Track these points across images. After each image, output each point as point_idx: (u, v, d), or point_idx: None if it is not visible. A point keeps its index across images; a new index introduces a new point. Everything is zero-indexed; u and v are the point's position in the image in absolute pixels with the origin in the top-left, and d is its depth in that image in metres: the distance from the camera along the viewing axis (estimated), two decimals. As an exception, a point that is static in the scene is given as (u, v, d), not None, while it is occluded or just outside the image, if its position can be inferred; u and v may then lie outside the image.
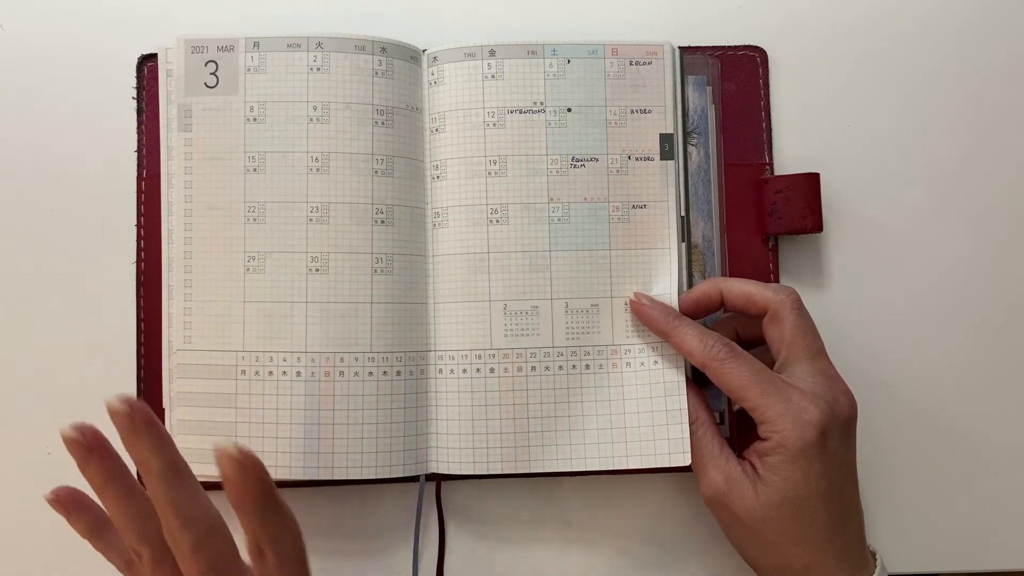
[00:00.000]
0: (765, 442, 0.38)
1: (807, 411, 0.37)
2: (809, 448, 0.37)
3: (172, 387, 0.42)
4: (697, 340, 0.40)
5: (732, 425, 0.44)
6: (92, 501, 0.35)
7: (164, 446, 0.32)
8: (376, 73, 0.43)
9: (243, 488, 0.31)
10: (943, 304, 0.47)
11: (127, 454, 0.33)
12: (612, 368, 0.43)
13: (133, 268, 0.44)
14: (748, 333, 0.43)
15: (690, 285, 0.43)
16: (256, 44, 0.43)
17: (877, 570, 0.39)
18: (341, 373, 0.42)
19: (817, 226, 0.45)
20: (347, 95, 0.43)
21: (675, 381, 0.42)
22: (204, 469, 0.42)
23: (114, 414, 0.32)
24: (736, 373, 0.38)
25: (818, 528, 0.37)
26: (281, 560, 0.33)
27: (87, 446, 0.32)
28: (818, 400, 0.38)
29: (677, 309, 0.42)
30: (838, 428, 0.38)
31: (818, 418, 0.37)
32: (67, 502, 0.35)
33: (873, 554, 0.40)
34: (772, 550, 0.38)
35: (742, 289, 0.41)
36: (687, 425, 0.41)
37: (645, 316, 0.42)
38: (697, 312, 0.42)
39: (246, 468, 0.31)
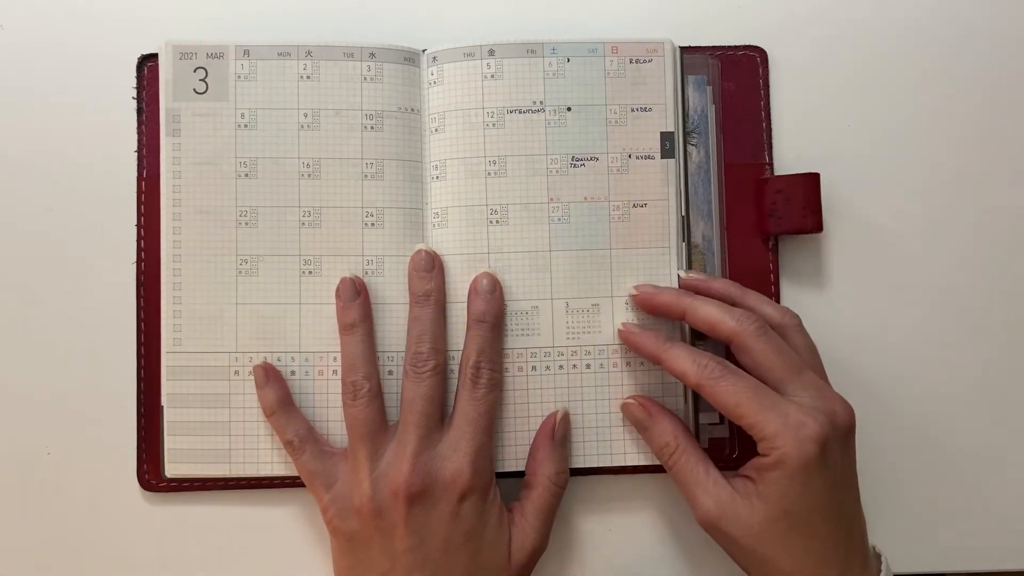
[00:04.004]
0: (765, 458, 0.37)
1: (806, 426, 0.36)
2: (810, 463, 0.36)
3: (164, 388, 0.43)
4: (690, 361, 0.39)
5: (733, 426, 0.44)
6: (284, 379, 0.42)
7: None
8: (365, 79, 0.43)
9: None
10: (943, 304, 0.46)
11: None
12: (612, 367, 0.43)
13: (133, 268, 0.44)
14: None
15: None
16: (246, 52, 0.43)
17: (883, 573, 0.38)
18: (334, 372, 0.42)
19: (817, 226, 0.44)
20: (336, 102, 0.43)
21: (675, 381, 0.43)
22: (199, 470, 0.42)
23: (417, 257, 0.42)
24: (731, 391, 0.37)
25: (819, 542, 0.37)
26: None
27: (357, 289, 0.42)
28: (816, 414, 0.37)
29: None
30: (839, 440, 0.37)
31: (818, 432, 0.36)
32: (269, 371, 0.42)
33: (878, 556, 0.39)
34: (772, 567, 0.37)
35: (707, 317, 0.40)
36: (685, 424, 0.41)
37: (635, 344, 0.41)
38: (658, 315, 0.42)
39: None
